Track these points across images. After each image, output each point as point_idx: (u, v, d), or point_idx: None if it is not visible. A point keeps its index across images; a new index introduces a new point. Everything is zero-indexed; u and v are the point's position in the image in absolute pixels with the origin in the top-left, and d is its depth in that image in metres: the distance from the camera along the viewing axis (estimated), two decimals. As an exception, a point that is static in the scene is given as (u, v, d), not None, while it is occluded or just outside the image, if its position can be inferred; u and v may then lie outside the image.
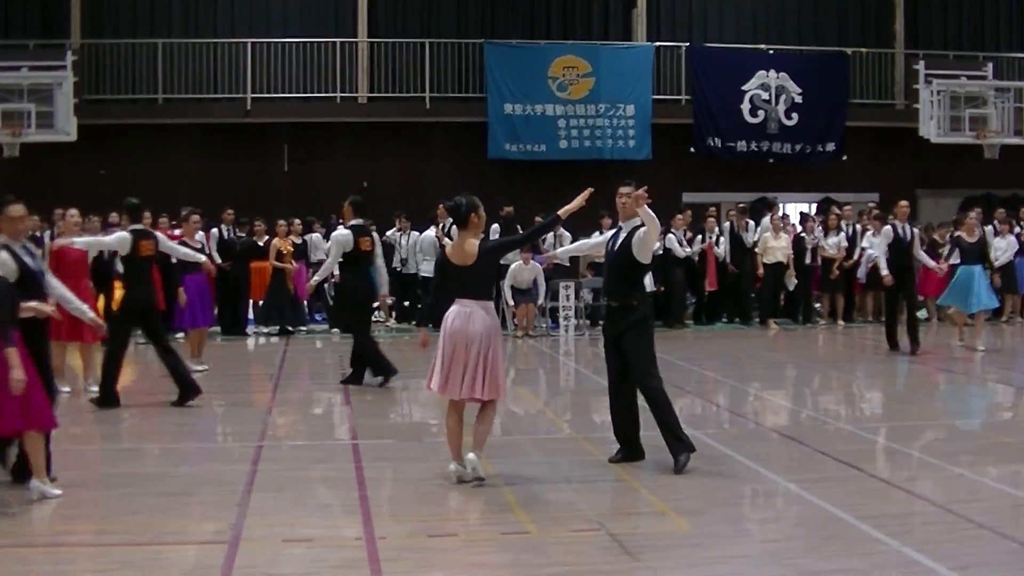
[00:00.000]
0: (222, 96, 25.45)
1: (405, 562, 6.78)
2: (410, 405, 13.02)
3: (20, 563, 6.75)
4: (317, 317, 22.00)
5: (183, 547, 7.11)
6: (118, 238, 12.65)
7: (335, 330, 20.28)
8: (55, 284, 8.95)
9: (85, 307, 9.16)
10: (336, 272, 14.72)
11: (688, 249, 21.60)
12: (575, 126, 25.46)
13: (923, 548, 6.88)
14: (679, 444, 9.03)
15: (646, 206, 8.87)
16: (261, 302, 20.56)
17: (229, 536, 7.22)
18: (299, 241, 21.11)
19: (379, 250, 14.51)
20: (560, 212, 8.81)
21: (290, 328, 20.35)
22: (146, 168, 24.65)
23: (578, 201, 8.78)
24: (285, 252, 20.32)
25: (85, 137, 23.09)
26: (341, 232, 13.80)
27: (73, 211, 13.49)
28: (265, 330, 20.30)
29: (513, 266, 19.94)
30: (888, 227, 16.98)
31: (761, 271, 21.62)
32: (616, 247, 9.26)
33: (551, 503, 8.17)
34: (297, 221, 21.33)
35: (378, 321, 21.68)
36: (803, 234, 22.11)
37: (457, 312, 8.55)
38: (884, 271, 16.70)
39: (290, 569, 6.67)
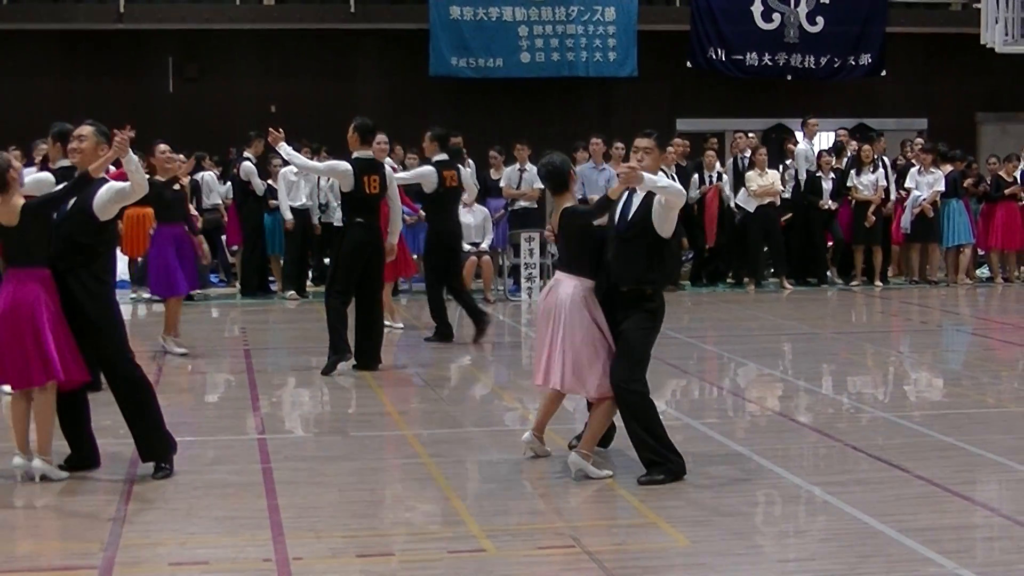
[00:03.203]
0: (87, -5, 25.23)
1: (327, 590, 6.79)
2: (331, 390, 12.97)
3: None
4: (213, 278, 21.86)
5: None
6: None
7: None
8: None
9: None
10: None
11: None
12: (540, 34, 25.22)
13: (986, 570, 6.93)
14: (674, 459, 8.81)
15: (648, 175, 8.56)
16: (140, 259, 20.38)
17: (100, 560, 7.16)
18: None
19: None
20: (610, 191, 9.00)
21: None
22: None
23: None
24: (171, 196, 20.05)
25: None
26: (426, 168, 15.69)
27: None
28: (146, 295, 20.13)
29: None
30: None
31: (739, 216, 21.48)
32: (630, 215, 8.85)
33: (512, 513, 8.18)
34: (180, 157, 20.99)
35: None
36: (818, 173, 21.83)
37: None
38: None
39: (180, 600, 6.67)
